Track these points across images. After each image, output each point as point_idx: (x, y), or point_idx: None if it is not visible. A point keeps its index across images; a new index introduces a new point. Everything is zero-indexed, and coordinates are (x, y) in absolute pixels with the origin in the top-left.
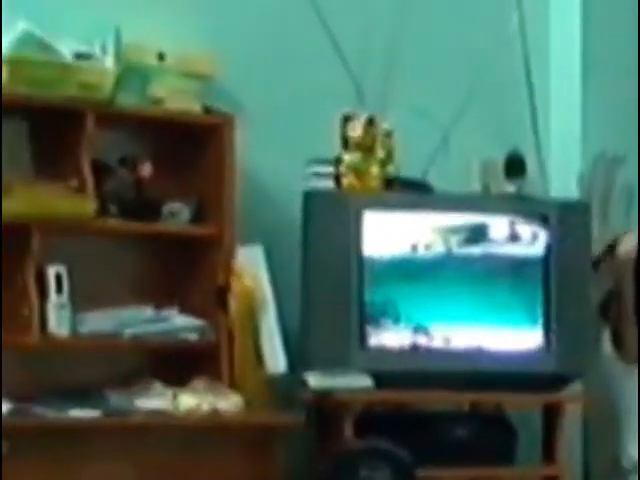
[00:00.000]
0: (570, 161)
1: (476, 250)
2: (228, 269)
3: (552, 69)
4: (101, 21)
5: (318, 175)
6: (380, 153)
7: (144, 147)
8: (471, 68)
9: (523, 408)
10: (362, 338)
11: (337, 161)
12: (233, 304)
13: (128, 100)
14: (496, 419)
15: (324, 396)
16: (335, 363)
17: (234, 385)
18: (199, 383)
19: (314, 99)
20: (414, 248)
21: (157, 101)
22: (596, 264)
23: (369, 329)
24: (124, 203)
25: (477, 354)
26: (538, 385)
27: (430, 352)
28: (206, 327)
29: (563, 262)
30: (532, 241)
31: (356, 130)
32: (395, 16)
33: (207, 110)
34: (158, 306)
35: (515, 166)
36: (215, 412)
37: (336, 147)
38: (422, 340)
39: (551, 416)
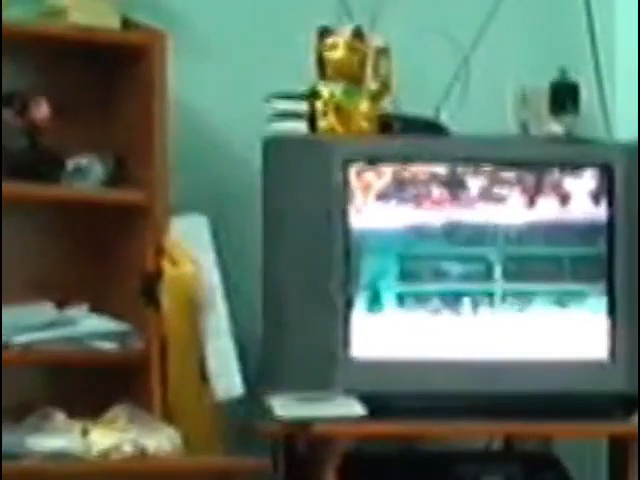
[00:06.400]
0: None
1: (509, 212)
2: (159, 249)
3: None
4: None
5: (284, 115)
6: (372, 83)
7: (39, 80)
8: None
9: (579, 443)
10: (348, 346)
11: (311, 95)
12: (166, 299)
13: (16, 13)
14: (541, 459)
15: (297, 429)
16: (312, 383)
17: (168, 415)
18: (119, 413)
19: (278, 10)
20: (421, 213)
21: (57, 12)
22: None
23: (359, 332)
24: (11, 157)
25: (513, 365)
26: (599, 411)
27: (446, 364)
28: (128, 332)
29: (633, 227)
30: (591, 200)
31: (337, 50)
32: None
33: (128, 25)
34: (61, 303)
35: (564, 97)
36: (141, 454)
37: (310, 76)
38: (433, 346)
39: (618, 453)
